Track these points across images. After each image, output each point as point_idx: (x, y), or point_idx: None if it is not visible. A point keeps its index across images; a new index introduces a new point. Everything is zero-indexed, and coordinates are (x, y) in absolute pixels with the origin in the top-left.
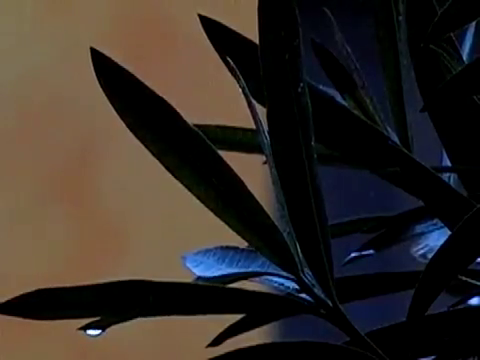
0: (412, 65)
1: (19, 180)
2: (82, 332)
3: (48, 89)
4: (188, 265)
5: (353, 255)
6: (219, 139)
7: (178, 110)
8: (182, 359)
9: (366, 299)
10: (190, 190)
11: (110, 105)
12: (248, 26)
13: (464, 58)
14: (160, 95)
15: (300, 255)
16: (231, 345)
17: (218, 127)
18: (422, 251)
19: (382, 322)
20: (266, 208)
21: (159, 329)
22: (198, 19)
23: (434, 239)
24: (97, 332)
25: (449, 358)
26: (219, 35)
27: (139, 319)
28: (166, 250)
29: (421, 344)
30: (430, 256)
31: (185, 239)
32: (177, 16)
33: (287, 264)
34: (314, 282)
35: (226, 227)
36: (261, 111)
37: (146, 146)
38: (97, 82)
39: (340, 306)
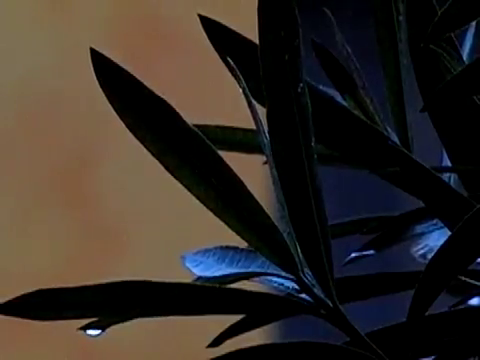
0: (412, 65)
1: (19, 180)
2: (82, 332)
3: (48, 89)
4: (188, 265)
5: (353, 255)
6: (219, 139)
7: (178, 110)
8: (182, 359)
9: (366, 299)
10: (190, 190)
11: (110, 105)
12: (248, 26)
13: (464, 58)
14: (160, 95)
15: (300, 255)
16: (231, 345)
17: (218, 127)
18: (422, 251)
19: (382, 322)
20: (266, 208)
21: (159, 329)
22: (198, 19)
23: (434, 239)
24: (97, 332)
25: (449, 358)
26: (219, 35)
27: (139, 319)
28: (166, 250)
29: (421, 344)
30: (430, 256)
31: (185, 239)
32: (177, 16)
33: (287, 264)
34: (314, 282)
35: (226, 227)
36: (261, 111)
37: (146, 146)
38: (97, 82)
39: (340, 306)
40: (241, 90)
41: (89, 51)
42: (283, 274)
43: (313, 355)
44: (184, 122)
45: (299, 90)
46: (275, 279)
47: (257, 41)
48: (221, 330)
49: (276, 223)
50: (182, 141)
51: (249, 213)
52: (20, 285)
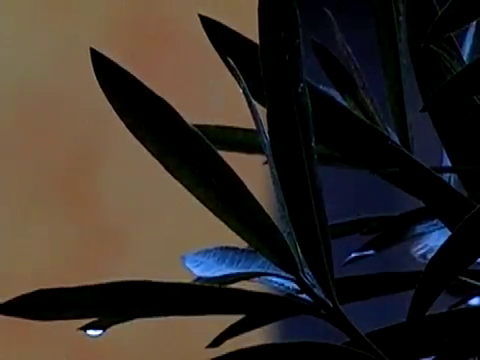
0: (412, 65)
1: (19, 180)
2: (82, 332)
3: (48, 89)
4: (188, 265)
5: (353, 255)
6: (219, 139)
7: (178, 110)
8: (182, 359)
9: (366, 299)
10: (190, 190)
11: (110, 105)
12: (248, 26)
13: (464, 58)
14: (160, 95)
15: (300, 255)
16: (231, 345)
17: (218, 127)
18: (422, 251)
19: (382, 322)
20: (266, 208)
21: (159, 329)
22: (198, 19)
23: (434, 239)
24: (97, 332)
25: (449, 358)
26: (219, 35)
27: (139, 319)
28: (166, 250)
29: (421, 344)
30: (430, 256)
31: (185, 239)
32: (177, 16)
33: (287, 264)
34: (314, 282)
35: (226, 227)
36: (261, 111)
37: (146, 146)
38: (97, 82)
39: (340, 306)
40: (241, 90)
41: (89, 51)
42: (283, 274)
43: (313, 355)
44: (184, 122)
45: (299, 90)
46: (275, 279)
47: (257, 41)
48: (221, 330)
49: (276, 223)
50: (182, 141)
51: (249, 213)
52: (20, 285)
